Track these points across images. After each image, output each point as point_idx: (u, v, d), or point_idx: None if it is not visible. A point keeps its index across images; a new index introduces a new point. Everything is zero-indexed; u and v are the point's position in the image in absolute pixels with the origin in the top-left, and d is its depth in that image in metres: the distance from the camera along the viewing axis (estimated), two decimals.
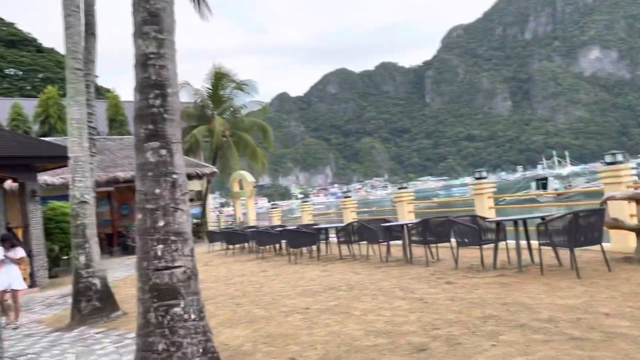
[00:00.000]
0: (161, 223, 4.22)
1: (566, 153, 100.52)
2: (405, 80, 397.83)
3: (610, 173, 8.85)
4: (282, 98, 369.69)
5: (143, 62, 4.44)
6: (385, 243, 11.35)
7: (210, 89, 28.85)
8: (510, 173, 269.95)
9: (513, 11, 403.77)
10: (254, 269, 12.47)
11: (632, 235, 8.48)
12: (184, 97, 29.34)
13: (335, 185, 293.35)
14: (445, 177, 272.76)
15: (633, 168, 9.20)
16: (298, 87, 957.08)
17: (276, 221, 22.37)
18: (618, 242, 8.75)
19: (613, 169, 8.81)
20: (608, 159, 8.90)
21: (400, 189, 14.40)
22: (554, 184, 52.42)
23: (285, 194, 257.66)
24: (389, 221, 11.92)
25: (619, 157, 8.82)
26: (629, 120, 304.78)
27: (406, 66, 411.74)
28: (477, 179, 11.88)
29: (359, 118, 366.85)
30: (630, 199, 7.43)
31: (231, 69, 29.22)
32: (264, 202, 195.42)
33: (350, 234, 12.23)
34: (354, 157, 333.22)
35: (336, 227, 13.05)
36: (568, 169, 71.01)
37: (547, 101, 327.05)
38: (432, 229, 9.64)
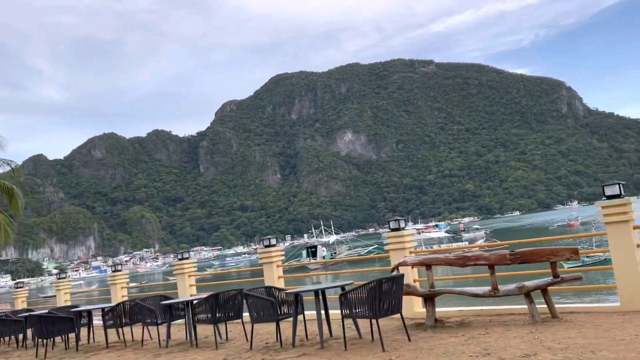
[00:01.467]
0: None
1: (331, 223, 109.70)
2: (178, 149, 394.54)
3: (394, 239, 9.02)
4: (38, 161, 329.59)
5: None
6: (166, 324, 9.73)
7: None
8: (280, 242, 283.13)
9: (281, 93, 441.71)
10: None
11: (419, 301, 8.61)
12: None
13: (99, 257, 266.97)
14: (219, 247, 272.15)
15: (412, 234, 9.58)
16: (58, 150, 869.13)
17: (21, 304, 18.27)
18: (406, 308, 8.82)
19: (397, 235, 9.00)
20: (392, 224, 9.11)
21: (181, 259, 12.90)
22: (322, 252, 55.84)
23: (36, 270, 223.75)
24: (168, 297, 10.32)
25: (402, 224, 9.09)
26: (376, 195, 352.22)
27: (180, 135, 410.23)
28: (266, 246, 11.23)
29: (128, 185, 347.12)
30: (421, 264, 7.54)
31: None
32: (6, 280, 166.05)
33: (121, 315, 10.22)
34: (122, 227, 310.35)
35: (102, 308, 10.84)
36: (333, 238, 77.39)
37: (311, 175, 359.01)
38: (222, 305, 8.46)
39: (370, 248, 66.08)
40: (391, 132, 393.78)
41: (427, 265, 7.45)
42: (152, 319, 9.56)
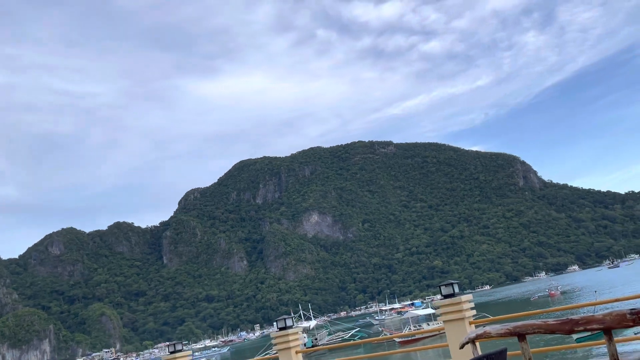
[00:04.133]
0: None
1: (309, 306, 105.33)
2: (141, 241, 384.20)
3: (450, 307, 7.44)
4: None
5: None
6: None
7: None
8: (250, 332, 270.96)
9: (245, 178, 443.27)
10: None
11: None
12: None
13: None
14: (185, 342, 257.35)
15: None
16: (13, 249, 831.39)
17: None
18: None
19: (453, 302, 7.43)
20: (444, 290, 7.55)
21: (172, 352, 10.74)
22: (302, 339, 52.41)
23: None
24: None
25: (456, 288, 7.55)
26: (345, 276, 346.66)
27: (142, 226, 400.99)
28: (281, 328, 9.38)
29: (87, 282, 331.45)
30: (512, 333, 5.96)
31: None
32: None
33: None
34: (80, 327, 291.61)
35: None
36: (312, 323, 73.08)
37: (279, 260, 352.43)
38: None
39: (354, 331, 62.50)
40: (356, 211, 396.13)
41: (521, 335, 5.87)
42: None
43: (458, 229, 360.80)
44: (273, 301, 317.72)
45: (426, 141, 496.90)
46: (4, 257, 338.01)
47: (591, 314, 5.62)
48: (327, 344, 56.97)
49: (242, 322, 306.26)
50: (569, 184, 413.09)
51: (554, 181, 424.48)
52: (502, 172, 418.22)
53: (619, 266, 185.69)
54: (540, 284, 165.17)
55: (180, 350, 11.11)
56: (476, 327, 7.05)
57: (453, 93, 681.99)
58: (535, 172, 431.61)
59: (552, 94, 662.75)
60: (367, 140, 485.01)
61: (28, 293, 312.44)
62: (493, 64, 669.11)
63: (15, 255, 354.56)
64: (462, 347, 6.61)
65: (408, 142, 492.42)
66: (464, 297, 7.39)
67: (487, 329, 6.16)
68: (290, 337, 9.32)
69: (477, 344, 6.41)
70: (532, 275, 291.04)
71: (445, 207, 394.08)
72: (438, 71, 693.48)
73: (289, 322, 9.62)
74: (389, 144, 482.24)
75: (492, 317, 8.78)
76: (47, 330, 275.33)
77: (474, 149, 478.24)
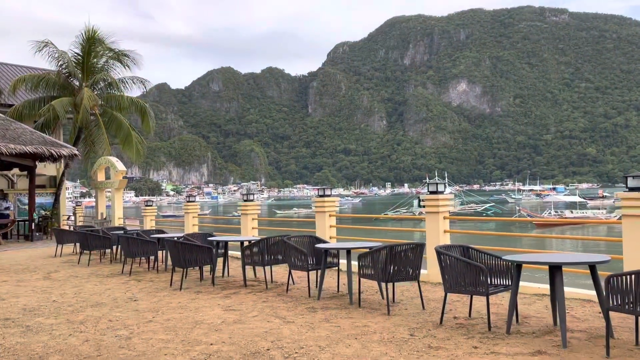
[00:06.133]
0: None
1: (445, 174, 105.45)
2: (289, 88, 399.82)
3: (635, 202, 6.62)
4: (162, 89, 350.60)
5: None
6: (316, 271, 8.32)
7: (79, 54, 23.49)
8: (381, 188, 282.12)
9: (396, 36, 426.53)
10: (117, 295, 8.63)
11: None
12: (43, 61, 23.70)
13: (210, 185, 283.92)
14: (324, 187, 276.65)
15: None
16: (179, 80, 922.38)
17: (150, 222, 18.18)
18: None
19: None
20: (631, 182, 6.68)
21: (322, 195, 11.34)
22: (454, 206, 52.87)
23: (155, 190, 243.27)
24: (320, 239, 8.81)
25: None
26: (485, 151, 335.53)
27: (292, 74, 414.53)
28: (320, 196, 9.39)
29: (240, 119, 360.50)
30: None
31: (109, 35, 24.01)
32: (130, 196, 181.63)
33: (264, 252, 8.96)
34: (232, 158, 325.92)
35: (241, 242, 9.65)
36: (447, 190, 73.27)
37: (418, 125, 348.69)
38: (398, 258, 6.69)
39: (487, 205, 61.64)
40: (509, 85, 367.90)
41: None
42: (302, 262, 8.11)
43: (625, 116, 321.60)
44: (407, 163, 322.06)
45: (609, 12, 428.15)
46: (173, 87, 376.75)
47: None
48: (458, 214, 57.35)
49: (374, 177, 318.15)
50: None
51: None
52: None
53: None
54: None
55: (329, 195, 11.40)
56: None
57: None
58: None
59: None
60: (537, 6, 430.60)
61: (191, 122, 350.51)
62: None
63: (181, 86, 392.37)
64: None
65: (587, 11, 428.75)
66: None
67: None
68: (440, 202, 9.23)
69: None
70: None
71: (614, 91, 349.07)
72: None
73: (440, 187, 9.44)
74: (564, 11, 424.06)
75: None
76: (205, 157, 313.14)
77: None
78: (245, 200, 13.71)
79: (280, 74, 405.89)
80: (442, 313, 6.05)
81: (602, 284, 4.81)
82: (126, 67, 24.07)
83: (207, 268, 10.22)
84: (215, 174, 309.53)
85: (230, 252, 11.64)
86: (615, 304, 4.53)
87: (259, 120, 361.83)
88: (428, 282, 8.75)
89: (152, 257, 11.62)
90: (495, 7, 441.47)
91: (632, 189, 6.69)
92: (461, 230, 26.96)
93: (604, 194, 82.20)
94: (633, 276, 4.39)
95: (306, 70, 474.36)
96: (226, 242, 10.22)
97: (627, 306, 4.46)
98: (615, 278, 4.51)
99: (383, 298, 7.44)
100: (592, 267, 5.25)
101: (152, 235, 12.32)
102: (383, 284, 7.19)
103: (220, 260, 10.47)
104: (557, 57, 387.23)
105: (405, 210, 61.17)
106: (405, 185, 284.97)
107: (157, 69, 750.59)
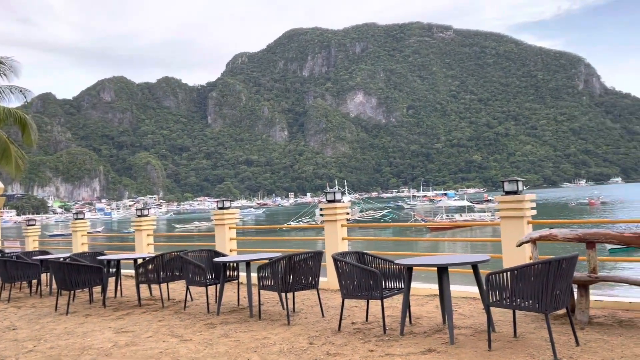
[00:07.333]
0: None
1: (344, 183, 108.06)
2: (187, 98, 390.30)
3: (511, 204, 7.23)
4: (46, 99, 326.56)
5: None
6: (215, 285, 8.12)
7: None
8: (284, 198, 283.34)
9: (294, 48, 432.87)
10: None
11: None
12: None
13: (104, 200, 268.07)
14: (222, 199, 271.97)
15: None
16: (66, 90, 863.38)
17: (32, 243, 16.73)
18: None
19: (515, 200, 7.21)
20: (507, 187, 7.28)
21: (221, 208, 11.16)
22: (352, 214, 54.19)
23: (41, 207, 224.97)
24: (219, 253, 8.62)
25: (520, 186, 7.26)
26: (382, 159, 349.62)
27: (190, 84, 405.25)
28: (330, 201, 9.49)
29: (135, 131, 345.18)
30: (580, 239, 5.74)
31: None
32: (11, 215, 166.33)
33: (159, 269, 8.59)
34: (127, 172, 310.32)
35: (135, 259, 9.19)
36: (346, 198, 75.32)
37: (319, 135, 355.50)
38: (297, 267, 6.72)
39: (385, 212, 64.23)
40: (402, 96, 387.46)
41: (590, 242, 5.66)
42: (200, 277, 7.88)
43: (504, 126, 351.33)
44: (309, 173, 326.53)
45: (488, 30, 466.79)
46: (59, 97, 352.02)
47: None
48: (358, 221, 59.07)
49: (277, 188, 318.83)
50: (633, 94, 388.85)
51: (617, 89, 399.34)
52: (563, 73, 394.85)
53: None
54: (579, 191, 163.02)
55: (228, 207, 11.30)
56: (534, 228, 6.86)
57: None
58: (598, 77, 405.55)
59: None
60: (425, 22, 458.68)
61: (81, 134, 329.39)
62: None
63: (69, 96, 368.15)
64: (520, 245, 6.49)
65: (469, 29, 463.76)
66: (527, 196, 7.13)
67: (554, 231, 5.95)
68: (338, 211, 9.43)
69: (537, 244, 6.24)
70: (571, 182, 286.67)
71: (495, 103, 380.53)
72: None
73: (337, 196, 9.65)
74: (449, 28, 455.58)
75: (550, 220, 8.55)
76: (97, 171, 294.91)
77: (538, 44, 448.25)
78: (139, 216, 13.10)
79: (177, 83, 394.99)
80: (340, 319, 6.16)
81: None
82: (2, 76, 22.06)
83: (97, 289, 9.60)
84: (109, 189, 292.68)
85: (123, 271, 11.07)
86: (495, 299, 4.89)
87: (155, 131, 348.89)
88: (328, 290, 8.88)
89: (34, 281, 10.70)
90: (387, 22, 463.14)
91: (507, 193, 7.29)
92: (360, 237, 27.75)
93: (489, 198, 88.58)
94: (509, 273, 4.77)
95: (204, 81, 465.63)
96: (118, 261, 9.66)
97: (504, 301, 4.84)
98: (493, 276, 4.87)
99: (283, 308, 7.44)
100: (474, 266, 5.64)
101: (34, 257, 11.34)
102: (283, 295, 7.18)
103: (112, 280, 9.89)
104: (444, 70, 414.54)
105: (307, 220, 62.30)
106: (308, 194, 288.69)
107: (41, 77, 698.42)
